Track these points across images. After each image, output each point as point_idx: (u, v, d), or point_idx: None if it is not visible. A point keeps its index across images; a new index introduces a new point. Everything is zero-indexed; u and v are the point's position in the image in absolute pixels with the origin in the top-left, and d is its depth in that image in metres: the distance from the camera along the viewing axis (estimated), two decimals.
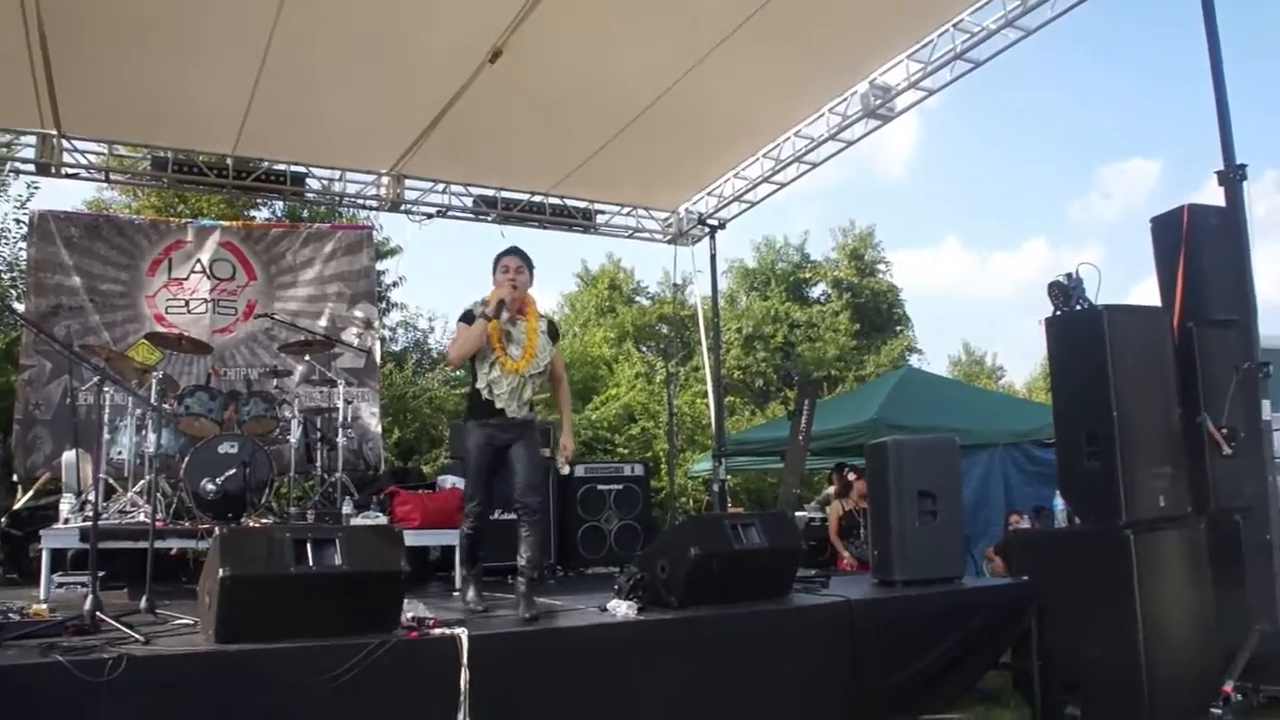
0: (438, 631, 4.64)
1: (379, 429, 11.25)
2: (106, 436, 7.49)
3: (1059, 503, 6.92)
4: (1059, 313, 6.68)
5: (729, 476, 11.06)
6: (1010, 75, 56.57)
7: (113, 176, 11.17)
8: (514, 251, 5.90)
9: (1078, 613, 6.13)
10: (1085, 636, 6.04)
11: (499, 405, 5.68)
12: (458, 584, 7.38)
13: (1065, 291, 6.65)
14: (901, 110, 9.59)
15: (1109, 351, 6.20)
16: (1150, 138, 56.67)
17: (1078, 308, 6.59)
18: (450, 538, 7.47)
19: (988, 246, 62.01)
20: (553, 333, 6.01)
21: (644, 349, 29.38)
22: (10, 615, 4.53)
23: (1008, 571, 9.24)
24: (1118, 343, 6.24)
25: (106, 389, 7.36)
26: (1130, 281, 44.55)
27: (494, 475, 5.78)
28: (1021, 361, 60.56)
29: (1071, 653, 6.13)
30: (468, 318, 5.73)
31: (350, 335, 11.02)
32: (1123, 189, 56.83)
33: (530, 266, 5.89)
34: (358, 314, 11.29)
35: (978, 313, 56.39)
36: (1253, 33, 43.43)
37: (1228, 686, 5.25)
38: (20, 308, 10.57)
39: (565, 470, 5.76)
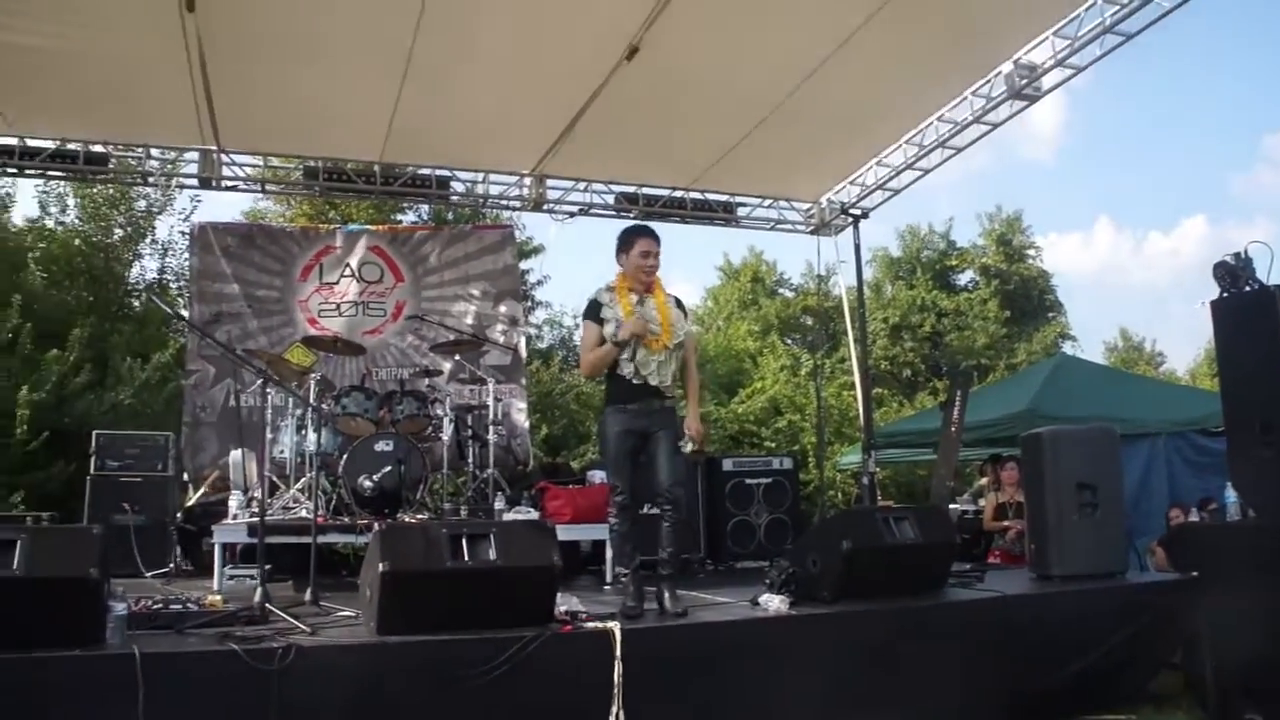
0: (591, 625, 4.69)
1: (527, 425, 11.41)
2: (269, 436, 7.79)
3: (1231, 495, 6.58)
4: (1226, 295, 6.36)
5: (878, 469, 10.85)
6: (1161, 43, 53.85)
7: (268, 187, 11.62)
8: (652, 234, 5.77)
9: (1254, 612, 5.80)
10: (1264, 637, 5.72)
11: (651, 383, 5.54)
12: (608, 578, 7.47)
13: (1233, 272, 6.33)
14: (1048, 89, 9.23)
15: None
16: None
17: (1246, 289, 6.26)
18: (600, 532, 7.55)
19: (1142, 227, 59.41)
20: (681, 308, 5.84)
21: (789, 341, 29.08)
22: (190, 605, 4.77)
23: (1169, 565, 8.87)
24: None
25: (268, 391, 7.67)
26: None
27: (635, 463, 5.62)
28: (1183, 347, 57.92)
29: (1249, 654, 5.79)
30: (594, 313, 5.63)
31: (496, 333, 11.19)
32: None
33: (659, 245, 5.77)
34: (503, 311, 11.45)
35: (1134, 297, 53.96)
36: None
37: None
38: (186, 314, 11.06)
39: (688, 448, 5.61)
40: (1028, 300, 31.55)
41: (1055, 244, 57.46)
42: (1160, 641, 6.25)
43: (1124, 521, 7.02)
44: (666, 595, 5.44)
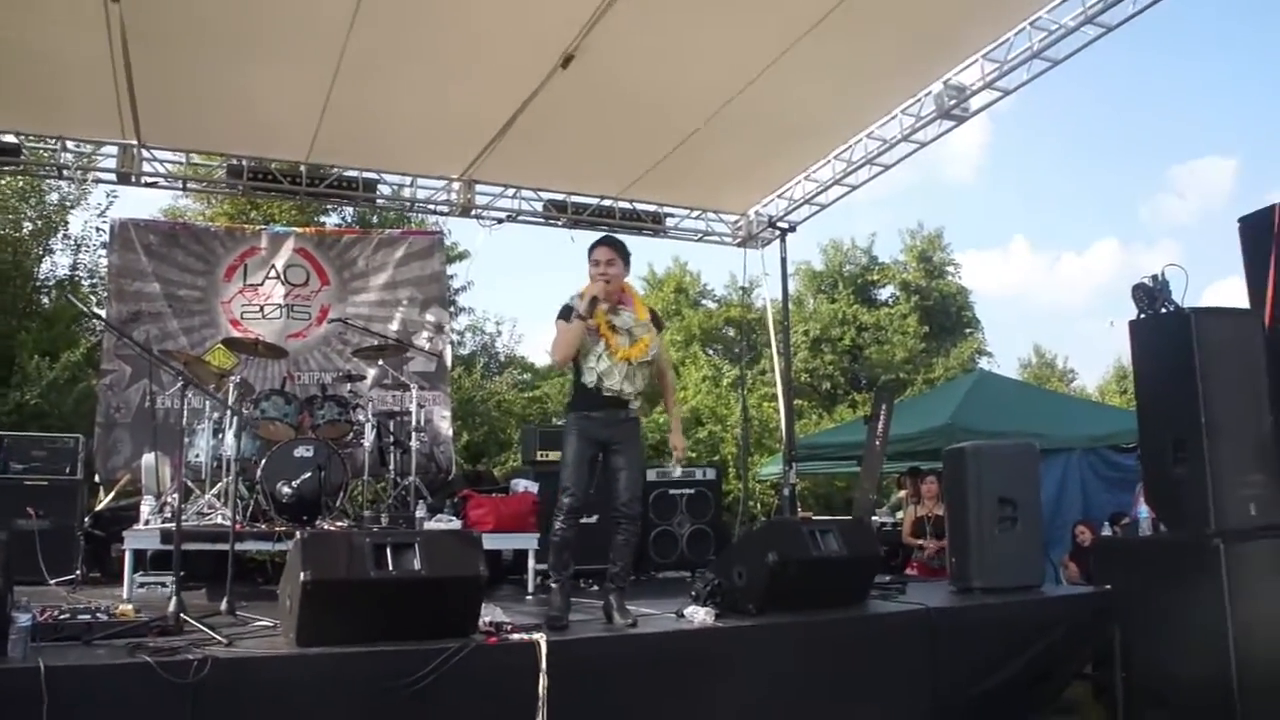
0: (516, 637, 4.64)
1: (450, 432, 11.30)
2: (185, 440, 7.59)
3: (1144, 511, 6.74)
4: (1144, 316, 6.51)
5: (798, 480, 10.92)
6: (1078, 73, 55.49)
7: (189, 185, 11.33)
8: (605, 242, 5.72)
9: (1164, 624, 5.98)
10: (1172, 649, 5.90)
11: (611, 394, 5.49)
12: (530, 588, 7.41)
13: (1151, 294, 6.49)
14: (976, 110, 9.36)
15: (1197, 355, 6.04)
16: (1225, 134, 55.17)
17: (1163, 310, 6.43)
18: (523, 541, 7.51)
19: (1057, 247, 60.95)
20: (656, 323, 5.82)
21: (710, 352, 29.27)
22: (98, 615, 4.61)
23: (1082, 578, 9.05)
24: (1206, 346, 6.09)
25: (186, 393, 7.47)
26: (1206, 282, 43.61)
27: (592, 470, 5.56)
28: (1094, 364, 59.54)
29: (1157, 665, 5.98)
30: (566, 314, 5.54)
31: (421, 339, 11.06)
32: (1196, 188, 55.44)
33: (624, 256, 5.68)
34: (429, 318, 11.32)
35: (1047, 314, 55.36)
36: None
37: None
38: (102, 313, 10.75)
39: (677, 473, 5.60)
40: (946, 316, 32.15)
41: (973, 260, 58.72)
42: (1076, 653, 6.40)
43: (1041, 535, 7.15)
44: (615, 607, 5.39)
